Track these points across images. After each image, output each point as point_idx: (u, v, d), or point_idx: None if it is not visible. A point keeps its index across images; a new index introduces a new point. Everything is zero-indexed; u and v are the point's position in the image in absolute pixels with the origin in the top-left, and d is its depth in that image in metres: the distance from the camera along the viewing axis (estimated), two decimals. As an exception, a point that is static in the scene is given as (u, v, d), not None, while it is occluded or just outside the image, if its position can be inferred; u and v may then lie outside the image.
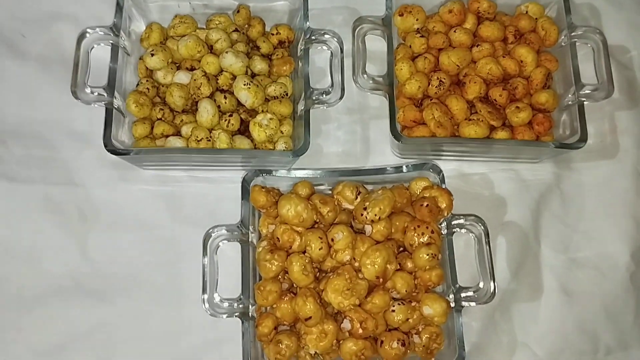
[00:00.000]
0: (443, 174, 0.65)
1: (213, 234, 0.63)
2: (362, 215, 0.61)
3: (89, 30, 0.67)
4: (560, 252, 0.70)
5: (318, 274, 0.62)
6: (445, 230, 0.64)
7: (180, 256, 0.68)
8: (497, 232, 0.69)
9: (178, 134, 0.68)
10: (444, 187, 0.64)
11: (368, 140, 0.73)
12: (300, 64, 0.69)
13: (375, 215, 0.60)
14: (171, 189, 0.70)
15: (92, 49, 0.68)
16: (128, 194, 0.70)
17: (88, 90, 0.66)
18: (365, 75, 0.69)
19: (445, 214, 0.63)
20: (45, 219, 0.68)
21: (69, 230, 0.68)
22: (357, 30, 0.70)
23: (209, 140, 0.66)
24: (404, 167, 0.65)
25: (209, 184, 0.70)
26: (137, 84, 0.70)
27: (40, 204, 0.69)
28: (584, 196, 0.72)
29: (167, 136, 0.67)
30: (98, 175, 0.70)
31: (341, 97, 0.67)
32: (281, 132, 0.68)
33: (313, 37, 0.69)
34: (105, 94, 0.66)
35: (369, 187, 0.66)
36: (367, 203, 0.61)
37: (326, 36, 0.69)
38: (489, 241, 0.63)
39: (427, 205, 0.61)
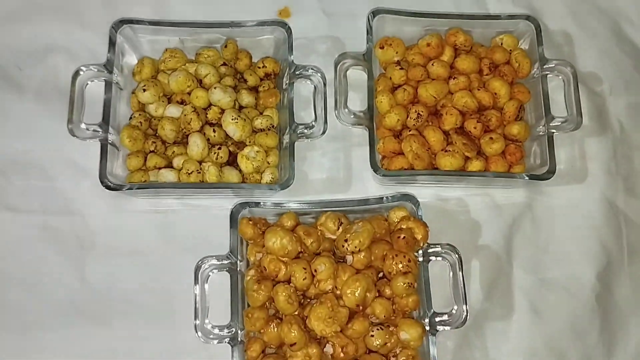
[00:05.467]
0: (420, 204, 0.69)
1: (203, 265, 0.67)
2: (343, 246, 0.65)
3: (82, 67, 0.71)
4: (530, 272, 0.74)
5: (302, 300, 0.66)
6: (422, 258, 0.68)
7: (174, 281, 0.71)
8: (472, 255, 0.73)
9: (170, 165, 0.72)
10: (420, 216, 0.68)
11: (350, 167, 0.76)
12: (285, 98, 0.73)
13: (356, 247, 0.65)
14: (164, 217, 0.74)
15: (86, 85, 0.71)
16: (123, 222, 0.73)
17: (84, 126, 0.70)
18: (346, 110, 0.72)
19: (421, 245, 0.67)
20: (44, 247, 0.72)
21: (67, 258, 0.72)
22: (339, 65, 0.73)
23: (199, 173, 0.70)
24: (384, 199, 0.69)
25: (201, 210, 0.74)
26: (130, 117, 0.73)
27: (40, 232, 0.72)
28: (554, 219, 0.76)
29: (159, 168, 0.71)
30: (94, 205, 0.73)
31: (324, 132, 0.71)
32: (267, 162, 0.72)
33: (297, 72, 0.73)
34: (100, 130, 0.69)
35: (351, 215, 0.70)
36: (348, 235, 0.65)
37: (310, 71, 0.73)
38: (462, 268, 0.67)
39: (404, 237, 0.65)
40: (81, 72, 0.71)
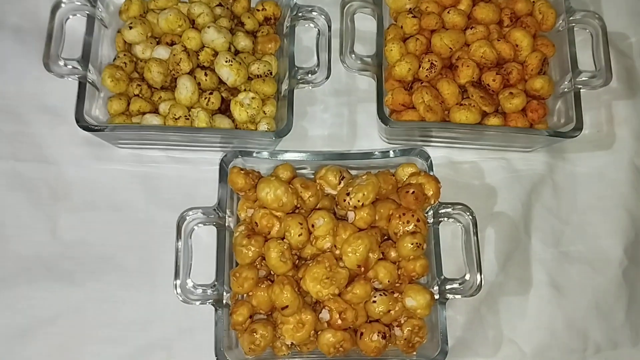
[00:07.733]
0: (431, 161, 0.62)
1: (188, 217, 0.60)
2: (344, 200, 0.58)
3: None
4: (550, 245, 0.68)
5: (297, 261, 0.59)
6: (432, 219, 0.61)
7: (155, 239, 0.65)
8: (486, 222, 0.67)
9: (155, 111, 0.65)
10: (431, 174, 0.61)
11: (355, 124, 0.70)
12: (286, 42, 0.66)
13: (359, 201, 0.58)
14: (147, 169, 0.68)
15: (67, 19, 0.65)
16: (102, 173, 0.67)
17: (61, 62, 0.63)
18: (353, 55, 0.66)
19: (432, 202, 0.60)
20: (13, 197, 0.65)
21: (38, 209, 0.65)
22: (346, 7, 0.68)
23: (188, 119, 0.63)
24: (391, 152, 0.62)
25: (187, 164, 0.68)
26: (114, 58, 0.67)
27: (8, 180, 0.66)
28: (577, 188, 0.70)
29: (143, 113, 0.64)
30: (71, 153, 0.67)
31: (327, 77, 0.64)
32: (264, 112, 0.65)
33: (300, 14, 0.67)
34: (79, 67, 0.63)
35: (354, 172, 0.63)
36: (351, 188, 0.58)
37: (313, 13, 0.67)
38: (476, 231, 0.61)
39: (414, 192, 0.58)
40: (62, 5, 0.64)
